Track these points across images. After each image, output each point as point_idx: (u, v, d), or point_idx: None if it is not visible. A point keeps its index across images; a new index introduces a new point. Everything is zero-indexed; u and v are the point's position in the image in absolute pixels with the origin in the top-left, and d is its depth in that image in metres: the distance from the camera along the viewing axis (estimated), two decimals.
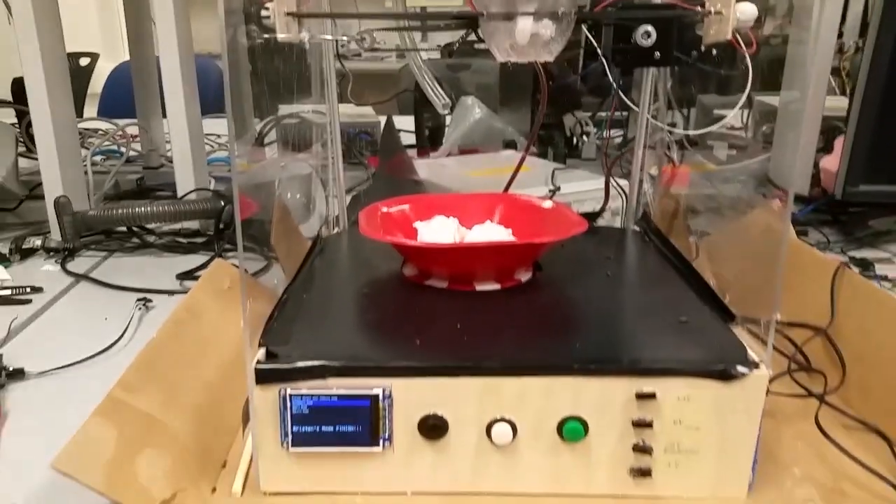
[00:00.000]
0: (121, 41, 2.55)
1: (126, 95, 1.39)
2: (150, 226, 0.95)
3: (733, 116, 1.23)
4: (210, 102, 1.08)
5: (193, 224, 0.96)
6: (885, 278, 0.80)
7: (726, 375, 0.42)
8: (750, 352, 0.44)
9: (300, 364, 0.43)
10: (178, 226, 0.96)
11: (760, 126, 1.19)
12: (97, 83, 2.10)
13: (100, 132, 1.36)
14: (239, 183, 0.44)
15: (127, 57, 1.32)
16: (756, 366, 0.43)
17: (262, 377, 0.43)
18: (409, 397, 0.43)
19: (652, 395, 0.43)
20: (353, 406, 0.43)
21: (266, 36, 0.55)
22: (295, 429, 0.43)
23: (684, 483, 0.44)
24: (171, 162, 0.99)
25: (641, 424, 0.43)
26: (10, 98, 1.30)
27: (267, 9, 0.52)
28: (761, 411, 0.43)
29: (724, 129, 1.24)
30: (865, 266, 0.83)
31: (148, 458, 0.43)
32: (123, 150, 1.30)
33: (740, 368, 0.42)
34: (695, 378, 0.43)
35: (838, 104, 0.95)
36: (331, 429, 0.43)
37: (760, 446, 0.44)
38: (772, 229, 0.63)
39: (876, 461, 0.47)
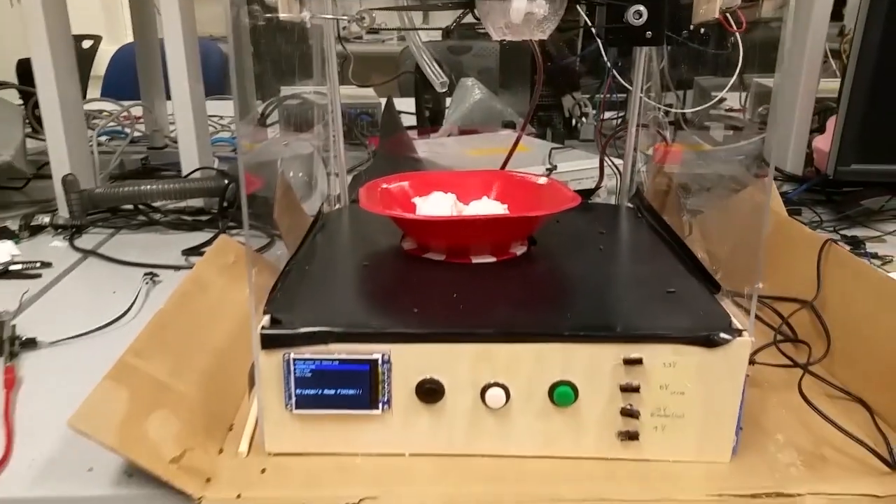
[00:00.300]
0: (123, 24, 2.57)
1: (129, 78, 1.40)
2: (156, 204, 0.97)
3: (731, 98, 1.24)
4: (212, 84, 1.09)
5: (198, 202, 0.97)
6: (874, 256, 0.81)
7: (710, 342, 0.44)
8: (734, 320, 0.45)
9: (303, 330, 0.45)
10: (182, 204, 0.97)
11: (757, 107, 1.21)
12: (100, 66, 2.11)
13: (104, 113, 1.37)
14: (243, 162, 0.46)
15: (129, 39, 1.33)
16: (739, 333, 0.44)
17: (267, 342, 0.45)
18: (407, 362, 0.45)
19: (639, 361, 0.44)
20: (354, 370, 0.45)
21: (268, 15, 0.56)
22: (298, 391, 0.45)
23: (670, 446, 0.46)
24: (175, 142, 1.00)
25: (629, 389, 0.45)
26: (15, 80, 1.31)
27: None
28: (744, 377, 0.45)
29: (723, 111, 1.26)
30: (856, 244, 0.84)
31: (158, 420, 0.45)
32: (128, 130, 1.32)
33: (723, 335, 0.44)
34: (680, 344, 0.44)
35: (835, 86, 0.96)
36: (332, 392, 0.45)
37: (745, 414, 0.46)
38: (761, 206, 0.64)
39: (857, 428, 0.48)
